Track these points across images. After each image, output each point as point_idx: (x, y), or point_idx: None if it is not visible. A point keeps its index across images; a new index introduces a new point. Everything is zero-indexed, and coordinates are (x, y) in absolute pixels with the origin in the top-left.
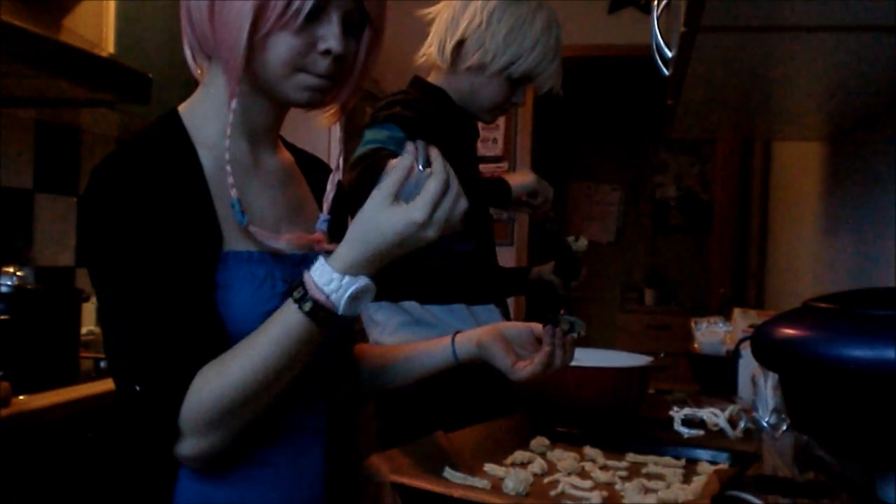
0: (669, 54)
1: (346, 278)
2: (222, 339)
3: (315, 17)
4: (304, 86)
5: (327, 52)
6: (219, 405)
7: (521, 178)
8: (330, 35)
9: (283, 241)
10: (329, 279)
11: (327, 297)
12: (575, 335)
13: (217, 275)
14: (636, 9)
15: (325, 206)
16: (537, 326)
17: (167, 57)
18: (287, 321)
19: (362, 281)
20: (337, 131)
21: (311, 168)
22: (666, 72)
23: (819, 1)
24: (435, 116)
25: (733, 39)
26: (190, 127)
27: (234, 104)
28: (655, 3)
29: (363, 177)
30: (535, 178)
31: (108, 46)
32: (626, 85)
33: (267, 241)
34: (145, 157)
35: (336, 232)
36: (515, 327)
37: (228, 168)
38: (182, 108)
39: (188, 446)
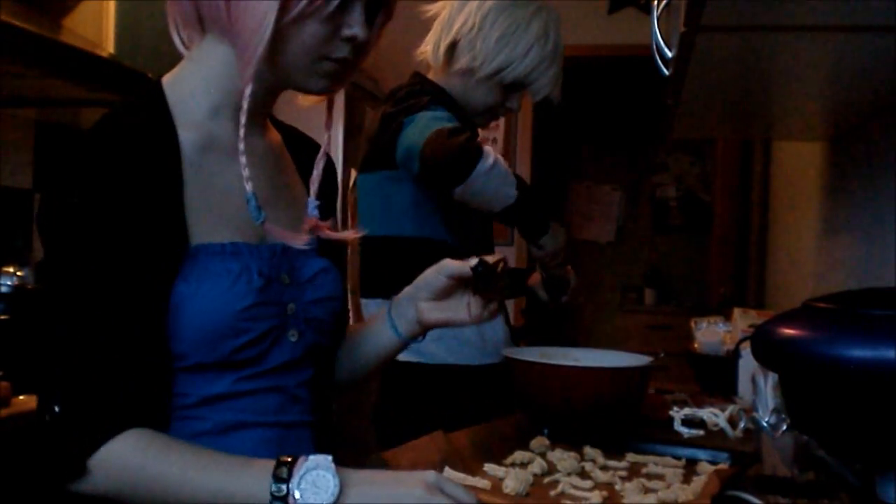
0: (669, 54)
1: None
2: (163, 367)
3: (342, 4)
4: (323, 72)
5: (350, 39)
6: (139, 485)
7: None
8: (355, 22)
9: (302, 239)
10: (314, 495)
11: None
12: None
13: (186, 272)
14: (636, 9)
15: (313, 189)
16: (443, 267)
17: (167, 57)
18: (246, 486)
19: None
20: (339, 131)
21: (301, 148)
22: (666, 72)
23: (819, 1)
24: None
25: (733, 39)
26: (173, 103)
27: (248, 91)
28: (655, 3)
29: (463, 157)
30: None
31: (108, 46)
32: (626, 85)
33: (285, 240)
34: (111, 145)
35: (324, 213)
36: (428, 282)
37: (243, 160)
38: (166, 81)
39: (85, 485)
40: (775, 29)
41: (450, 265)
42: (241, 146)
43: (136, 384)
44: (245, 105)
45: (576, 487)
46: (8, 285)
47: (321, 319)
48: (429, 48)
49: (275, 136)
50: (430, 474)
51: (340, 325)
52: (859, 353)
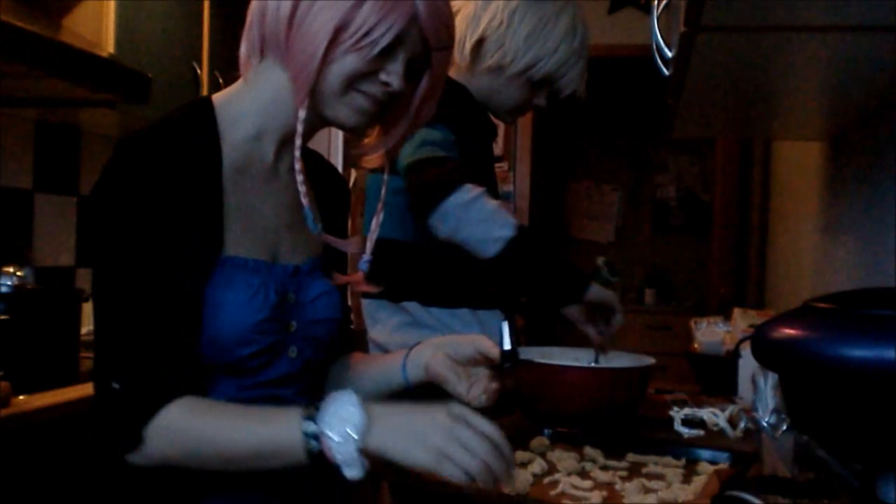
0: (669, 54)
1: (351, 434)
2: (198, 353)
3: (386, 52)
4: (355, 107)
5: (385, 84)
6: (186, 446)
7: (605, 290)
8: (393, 71)
9: (354, 244)
10: (341, 427)
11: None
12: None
13: (213, 278)
14: (636, 9)
15: (369, 245)
16: (481, 342)
17: (167, 57)
18: (279, 430)
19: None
20: (339, 133)
21: (322, 177)
22: (666, 72)
23: (819, 1)
24: (457, 116)
25: (733, 39)
26: (221, 121)
27: (302, 114)
28: (655, 3)
29: (436, 187)
30: (617, 299)
31: (108, 46)
32: (626, 85)
33: (339, 245)
34: (162, 151)
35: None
36: (459, 344)
37: (300, 178)
38: (217, 99)
39: (141, 455)
40: (775, 29)
41: (484, 343)
42: (298, 165)
43: (183, 365)
44: (300, 128)
45: (576, 487)
46: (8, 285)
47: (319, 339)
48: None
49: (301, 165)
50: (455, 405)
51: (337, 343)
52: (859, 353)
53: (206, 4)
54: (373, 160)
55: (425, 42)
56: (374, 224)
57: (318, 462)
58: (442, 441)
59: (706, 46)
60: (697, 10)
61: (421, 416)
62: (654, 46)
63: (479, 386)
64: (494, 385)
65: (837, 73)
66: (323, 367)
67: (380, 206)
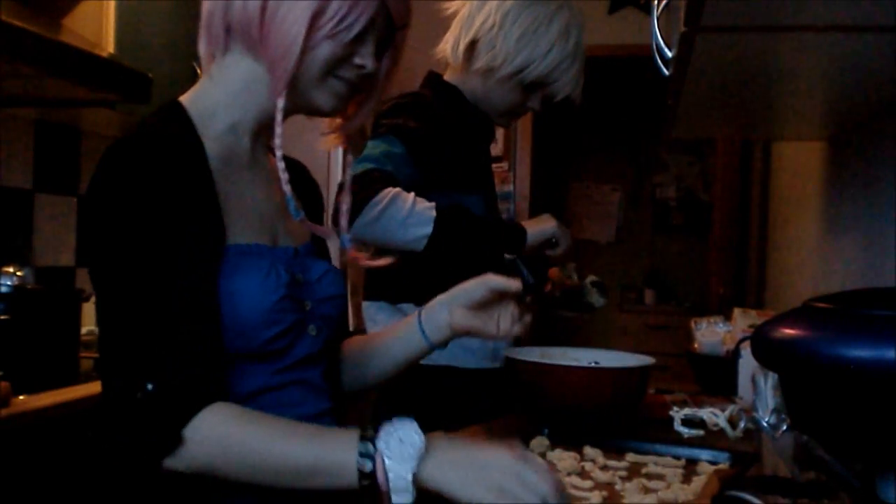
0: (669, 54)
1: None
2: (222, 348)
3: (359, 35)
4: (333, 92)
5: (360, 67)
6: (231, 453)
7: (539, 225)
8: (366, 53)
9: (330, 232)
10: (400, 450)
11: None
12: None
13: (221, 269)
14: (636, 9)
15: (344, 223)
16: (491, 280)
17: (167, 57)
18: (334, 447)
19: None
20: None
21: (292, 170)
22: (666, 72)
23: (819, 1)
24: (448, 118)
25: (733, 39)
26: (195, 118)
27: (281, 103)
28: (655, 3)
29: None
30: (555, 225)
31: (108, 46)
32: (626, 85)
33: (318, 232)
34: (151, 150)
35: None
36: (468, 291)
37: (282, 164)
38: (185, 100)
39: (180, 459)
40: (775, 29)
41: (495, 279)
42: (279, 153)
43: (213, 363)
44: (279, 117)
45: (576, 487)
46: (8, 285)
47: (332, 316)
48: (447, 47)
49: (280, 153)
50: (518, 447)
51: (344, 322)
52: (859, 353)
53: None
54: (329, 141)
55: (390, 22)
56: (344, 203)
57: (367, 487)
58: (503, 478)
59: (706, 46)
60: (697, 10)
61: (482, 452)
62: (654, 46)
63: (507, 319)
64: (528, 317)
65: (837, 73)
66: (336, 347)
67: (345, 191)
